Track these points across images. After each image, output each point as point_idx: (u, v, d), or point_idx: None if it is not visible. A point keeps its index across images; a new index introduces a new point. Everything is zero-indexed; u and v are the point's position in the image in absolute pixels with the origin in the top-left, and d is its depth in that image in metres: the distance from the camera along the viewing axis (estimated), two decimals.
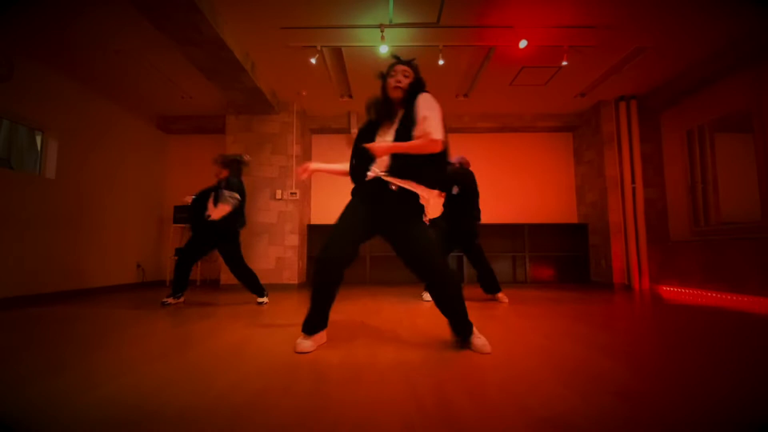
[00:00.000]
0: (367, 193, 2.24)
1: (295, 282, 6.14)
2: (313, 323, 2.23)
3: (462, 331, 2.21)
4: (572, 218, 7.14)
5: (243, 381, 1.69)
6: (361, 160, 2.26)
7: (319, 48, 4.73)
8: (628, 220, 6.14)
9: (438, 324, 2.96)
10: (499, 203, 7.03)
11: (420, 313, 3.57)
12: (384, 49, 4.59)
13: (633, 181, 6.16)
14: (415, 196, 2.19)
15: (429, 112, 2.14)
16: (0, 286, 4.31)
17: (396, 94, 2.24)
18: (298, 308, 3.93)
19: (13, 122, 4.89)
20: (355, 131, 6.92)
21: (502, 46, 4.71)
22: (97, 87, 5.67)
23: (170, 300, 4.09)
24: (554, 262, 7.10)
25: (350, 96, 6.20)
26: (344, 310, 3.72)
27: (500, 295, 4.29)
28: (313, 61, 4.85)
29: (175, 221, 6.72)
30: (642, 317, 3.38)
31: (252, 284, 4.23)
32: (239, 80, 5.20)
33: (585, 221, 6.89)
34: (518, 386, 1.58)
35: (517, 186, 7.18)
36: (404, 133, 2.17)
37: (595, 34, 4.50)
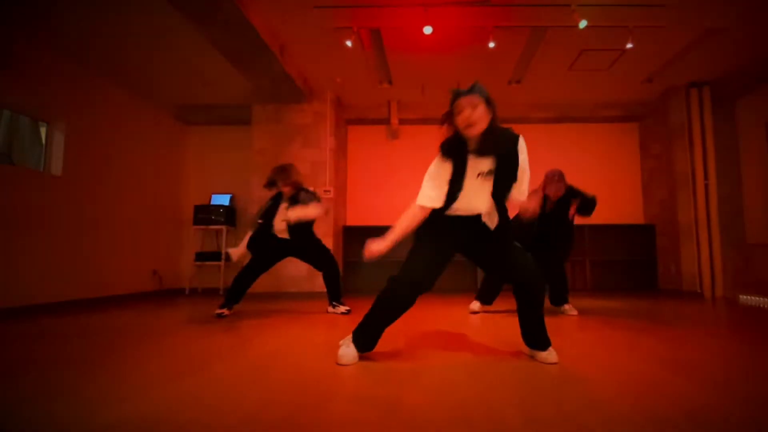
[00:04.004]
0: (465, 233, 2.53)
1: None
2: (369, 342, 2.48)
3: (542, 342, 2.48)
4: (638, 218, 7.68)
5: (274, 398, 1.78)
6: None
7: (355, 29, 5.11)
8: (699, 220, 6.58)
9: (487, 334, 3.24)
10: None
11: (466, 323, 3.90)
12: (428, 30, 4.96)
13: (705, 177, 6.61)
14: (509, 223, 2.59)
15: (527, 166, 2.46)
16: (0, 295, 4.56)
17: (472, 132, 2.34)
18: (329, 319, 4.22)
19: (15, 113, 5.21)
20: (395, 121, 7.52)
21: (558, 26, 5.10)
22: (108, 74, 6.03)
23: (225, 311, 4.40)
24: (618, 268, 7.61)
25: (390, 82, 6.69)
26: None
27: (567, 306, 4.59)
28: (348, 43, 5.22)
29: (195, 223, 7.26)
30: (716, 330, 3.63)
31: (336, 287, 4.69)
32: (266, 65, 5.64)
33: (652, 222, 7.42)
34: (577, 404, 1.69)
35: (575, 182, 7.51)
36: (506, 174, 2.43)
37: (664, 14, 4.87)
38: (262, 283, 6.77)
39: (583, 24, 4.89)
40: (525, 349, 2.60)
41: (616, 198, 7.70)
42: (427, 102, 7.39)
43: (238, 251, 4.53)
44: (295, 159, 6.73)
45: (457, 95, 2.37)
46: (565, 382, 2.02)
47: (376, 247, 2.46)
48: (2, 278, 4.59)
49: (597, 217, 7.37)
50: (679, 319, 4.26)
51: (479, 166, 2.39)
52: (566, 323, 3.88)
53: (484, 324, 3.88)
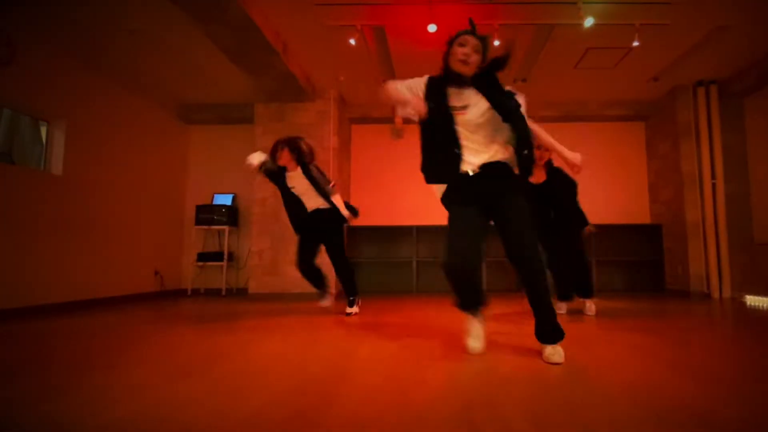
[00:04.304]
0: (474, 191, 2.59)
1: (333, 291, 6.65)
2: (472, 301, 2.65)
3: (551, 334, 2.48)
4: (644, 218, 7.71)
5: (276, 399, 1.80)
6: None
7: (359, 27, 5.14)
8: (707, 220, 6.61)
9: (497, 336, 3.23)
10: None
11: None
12: (432, 28, 5.01)
13: (713, 177, 6.64)
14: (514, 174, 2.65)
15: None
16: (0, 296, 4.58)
17: (463, 69, 2.49)
18: (334, 320, 4.27)
19: (15, 112, 5.23)
20: (399, 120, 7.55)
21: (564, 24, 5.13)
22: (109, 72, 6.06)
23: (352, 310, 4.64)
24: (624, 268, 7.67)
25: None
26: (389, 322, 4.04)
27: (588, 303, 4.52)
28: (352, 42, 5.26)
29: (198, 223, 7.31)
30: (723, 331, 3.70)
31: (351, 282, 4.74)
32: (269, 64, 5.68)
33: (658, 222, 7.45)
34: (583, 405, 1.71)
35: (581, 182, 7.55)
36: (502, 103, 2.51)
37: (670, 11, 4.90)
38: (266, 284, 6.95)
39: (588, 22, 4.92)
40: (537, 345, 2.59)
41: (622, 198, 7.77)
42: None
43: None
44: None
45: (471, 30, 2.54)
46: (572, 382, 2.04)
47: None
48: (2, 279, 4.60)
49: (603, 217, 7.54)
50: (687, 319, 4.29)
51: (455, 99, 2.55)
52: (572, 323, 3.89)
53: (493, 322, 3.88)
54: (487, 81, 2.52)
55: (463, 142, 2.57)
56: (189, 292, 7.40)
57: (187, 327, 3.95)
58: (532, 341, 2.62)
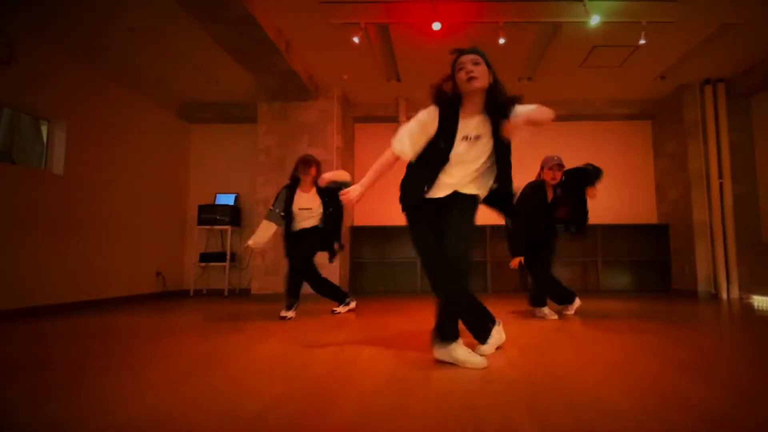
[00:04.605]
0: (436, 210, 2.56)
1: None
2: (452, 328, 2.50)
3: (440, 333, 2.47)
4: (651, 218, 7.73)
5: (280, 402, 1.81)
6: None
7: (363, 25, 5.14)
8: (714, 219, 6.64)
9: (507, 339, 3.38)
10: None
11: None
12: (437, 26, 5.01)
13: (720, 176, 6.67)
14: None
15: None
16: (0, 296, 4.57)
17: (474, 85, 2.38)
18: (337, 322, 4.27)
19: (16, 111, 5.26)
20: (404, 119, 7.50)
21: (570, 22, 5.15)
22: (111, 71, 6.09)
23: (339, 308, 4.83)
24: (630, 269, 7.70)
25: (398, 79, 6.77)
26: (392, 324, 4.05)
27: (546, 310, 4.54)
28: (356, 40, 5.24)
29: (200, 223, 7.31)
30: (731, 332, 3.74)
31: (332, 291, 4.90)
32: (272, 62, 5.71)
33: (665, 222, 7.47)
34: (589, 409, 1.70)
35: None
36: (502, 145, 2.47)
37: (677, 9, 4.93)
38: (268, 284, 6.96)
39: (594, 20, 4.95)
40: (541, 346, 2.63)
41: (628, 197, 7.78)
42: None
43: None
44: None
45: (460, 53, 2.47)
46: (578, 386, 2.02)
47: (353, 194, 2.61)
48: (3, 280, 4.62)
49: (609, 217, 7.57)
50: (694, 320, 4.31)
51: (467, 129, 2.46)
52: (579, 325, 3.90)
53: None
54: (499, 113, 2.44)
55: (452, 169, 2.52)
56: (191, 293, 7.41)
57: (189, 328, 3.98)
58: (536, 341, 2.64)
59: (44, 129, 5.53)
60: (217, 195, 7.71)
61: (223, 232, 7.55)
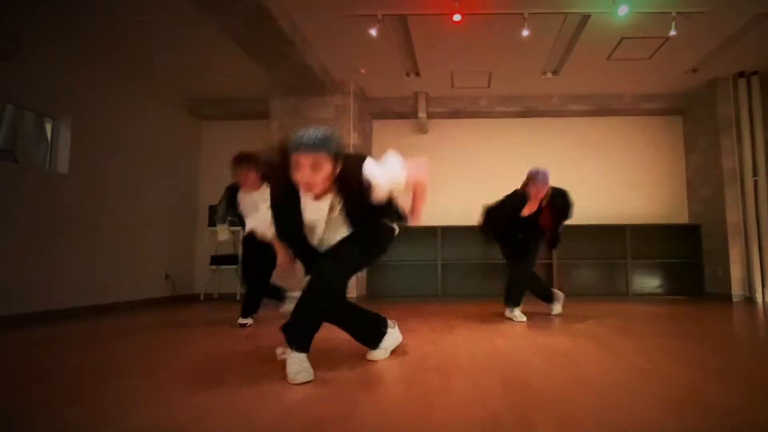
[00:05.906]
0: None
1: (354, 295, 6.61)
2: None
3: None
4: (682, 218, 7.68)
5: (294, 409, 1.82)
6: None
7: (380, 17, 5.13)
8: (748, 219, 6.61)
9: (522, 340, 3.31)
10: (594, 200, 7.49)
11: (499, 330, 3.97)
12: (457, 18, 4.99)
13: (755, 174, 6.64)
14: None
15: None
16: (3, 301, 4.49)
17: (310, 194, 2.29)
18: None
19: (19, 108, 5.21)
20: (423, 115, 7.52)
21: (597, 13, 5.13)
22: (117, 66, 6.05)
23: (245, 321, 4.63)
24: (661, 271, 7.64)
25: (417, 74, 6.76)
26: (413, 328, 4.02)
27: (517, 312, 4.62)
28: (373, 32, 5.24)
29: (211, 224, 7.24)
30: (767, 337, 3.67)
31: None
32: (285, 56, 5.69)
33: (697, 221, 7.41)
34: (617, 419, 1.67)
35: (615, 179, 7.75)
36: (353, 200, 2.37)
37: None
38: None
39: (623, 10, 4.93)
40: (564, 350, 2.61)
41: (658, 196, 7.75)
42: (457, 95, 7.47)
43: None
44: None
45: (297, 146, 2.15)
46: (607, 396, 1.97)
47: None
48: (6, 283, 4.57)
49: (638, 217, 7.52)
50: (728, 325, 4.27)
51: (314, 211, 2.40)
52: (606, 330, 3.86)
53: (519, 330, 3.95)
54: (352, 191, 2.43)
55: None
56: (202, 297, 7.40)
57: (201, 333, 3.99)
58: (561, 347, 2.66)
59: (48, 126, 5.50)
60: None
61: (235, 234, 7.59)
